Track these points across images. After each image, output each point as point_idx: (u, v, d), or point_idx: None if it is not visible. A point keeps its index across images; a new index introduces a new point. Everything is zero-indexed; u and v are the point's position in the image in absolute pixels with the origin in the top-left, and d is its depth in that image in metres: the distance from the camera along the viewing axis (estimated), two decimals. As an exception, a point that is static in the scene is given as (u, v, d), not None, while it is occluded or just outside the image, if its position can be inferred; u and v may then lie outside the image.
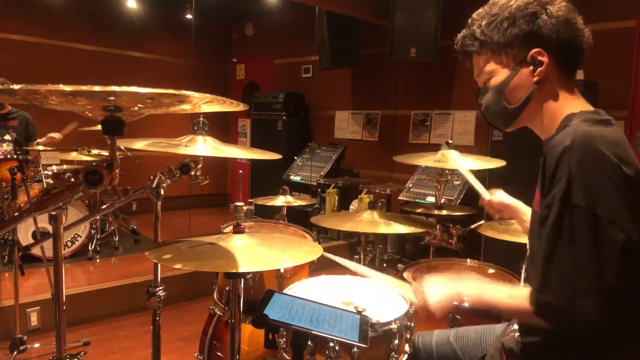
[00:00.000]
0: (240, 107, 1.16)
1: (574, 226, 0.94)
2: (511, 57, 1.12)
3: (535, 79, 1.11)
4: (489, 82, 1.17)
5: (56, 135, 4.36)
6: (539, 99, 1.13)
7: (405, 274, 1.97)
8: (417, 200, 4.34)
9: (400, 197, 4.50)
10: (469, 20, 1.19)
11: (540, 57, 1.09)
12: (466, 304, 1.17)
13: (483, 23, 1.14)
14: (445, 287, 1.16)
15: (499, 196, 1.56)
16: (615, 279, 0.91)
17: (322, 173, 5.33)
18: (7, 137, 4.23)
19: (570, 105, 1.11)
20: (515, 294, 1.07)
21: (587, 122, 1.03)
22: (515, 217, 1.54)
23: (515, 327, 1.23)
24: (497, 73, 1.15)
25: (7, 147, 4.10)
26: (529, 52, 1.10)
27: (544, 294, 0.97)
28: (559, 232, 0.95)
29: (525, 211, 1.48)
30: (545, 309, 0.98)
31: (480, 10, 1.17)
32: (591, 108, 1.11)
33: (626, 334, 0.99)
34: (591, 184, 0.93)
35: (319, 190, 5.11)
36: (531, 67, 1.11)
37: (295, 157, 5.74)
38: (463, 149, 2.58)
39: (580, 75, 3.62)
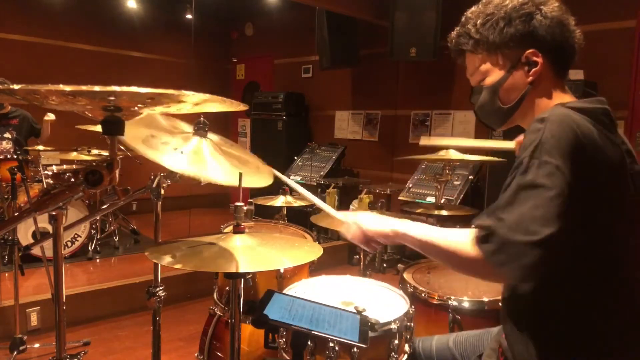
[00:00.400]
0: (240, 107, 1.16)
1: (537, 175, 0.91)
2: (506, 57, 1.13)
3: (530, 79, 1.11)
4: (484, 82, 1.18)
5: (50, 116, 4.37)
6: (532, 98, 1.14)
7: (405, 274, 1.97)
8: (417, 200, 4.34)
9: (400, 197, 4.50)
10: (463, 19, 1.19)
11: (535, 58, 1.10)
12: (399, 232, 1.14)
13: (478, 22, 1.14)
14: (380, 218, 1.19)
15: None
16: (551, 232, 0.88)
17: (322, 173, 5.33)
18: (7, 135, 4.24)
19: (561, 102, 1.11)
20: (451, 233, 1.05)
21: (567, 106, 1.02)
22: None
23: None
24: (491, 73, 1.16)
25: (6, 145, 4.11)
26: (524, 52, 1.10)
27: (490, 219, 0.95)
28: (525, 182, 0.93)
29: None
30: (486, 233, 0.94)
31: (474, 8, 1.17)
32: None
33: (609, 330, 1.00)
34: (564, 147, 0.92)
35: (319, 190, 5.11)
36: (526, 68, 1.11)
37: (295, 157, 5.74)
38: (463, 148, 2.58)
39: (580, 75, 3.62)
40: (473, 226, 0.99)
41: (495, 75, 1.15)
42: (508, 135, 1.27)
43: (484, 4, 1.15)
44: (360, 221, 1.20)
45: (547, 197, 0.89)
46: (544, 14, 1.08)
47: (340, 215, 1.30)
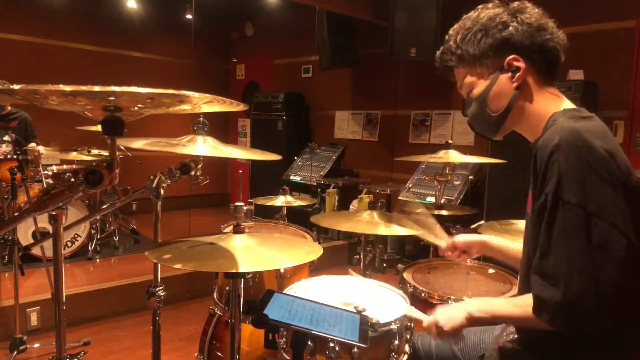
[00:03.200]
0: (240, 107, 1.16)
1: (567, 223, 0.94)
2: (488, 66, 1.15)
3: (515, 84, 1.13)
4: (471, 94, 1.21)
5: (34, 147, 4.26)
6: (522, 103, 1.15)
7: (405, 274, 1.97)
8: (417, 200, 4.34)
9: (400, 197, 4.49)
10: (446, 37, 1.23)
11: (516, 63, 1.12)
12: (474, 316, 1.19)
13: (458, 38, 1.18)
14: (454, 306, 1.22)
15: (461, 237, 1.54)
16: (613, 282, 0.92)
17: (322, 173, 5.33)
18: (7, 137, 4.24)
19: (553, 104, 1.13)
20: (518, 302, 1.09)
21: (572, 118, 1.05)
22: (485, 251, 1.51)
23: (513, 328, 1.24)
24: (477, 84, 1.19)
25: (6, 147, 4.11)
26: (505, 59, 1.13)
27: (548, 291, 0.97)
28: (552, 230, 0.96)
29: (494, 242, 1.48)
30: (550, 306, 0.97)
31: (455, 26, 1.22)
32: (573, 105, 1.13)
33: (620, 335, 1.00)
34: (581, 179, 0.94)
35: (319, 190, 5.11)
36: (509, 74, 1.13)
37: (295, 157, 5.74)
38: (463, 149, 2.58)
39: (580, 75, 3.63)
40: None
41: (480, 85, 1.18)
42: (510, 135, 1.27)
43: (463, 20, 1.20)
44: (438, 318, 1.21)
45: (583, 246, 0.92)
46: (519, 21, 1.11)
47: (423, 316, 1.32)
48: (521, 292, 1.18)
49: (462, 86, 1.23)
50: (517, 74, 1.12)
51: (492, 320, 1.16)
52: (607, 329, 0.96)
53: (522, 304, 1.06)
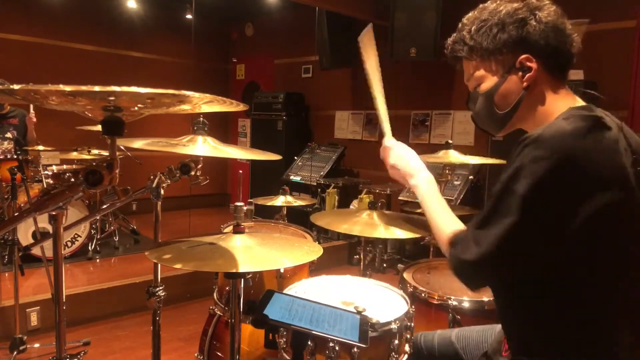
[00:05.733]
0: (240, 107, 1.16)
1: (505, 206, 0.98)
2: (500, 63, 1.13)
3: (524, 84, 1.11)
4: (479, 88, 1.18)
5: (31, 115, 4.33)
6: (529, 102, 1.13)
7: (405, 274, 1.97)
8: (417, 200, 4.33)
9: (400, 197, 4.49)
10: (459, 25, 1.19)
11: (528, 63, 1.10)
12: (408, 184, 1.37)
13: (473, 28, 1.14)
14: (410, 160, 1.40)
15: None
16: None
17: (322, 173, 5.33)
18: (8, 135, 4.24)
19: (561, 104, 1.10)
20: (451, 225, 1.17)
21: (569, 118, 1.01)
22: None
23: None
24: (486, 79, 1.16)
25: (7, 145, 4.10)
26: (518, 58, 1.10)
27: (454, 248, 1.09)
28: (494, 207, 1.00)
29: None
30: (452, 260, 1.09)
31: (470, 14, 1.18)
32: (582, 104, 1.11)
33: (611, 335, 1.01)
34: (537, 180, 0.94)
35: (319, 190, 5.11)
36: (520, 73, 1.11)
37: (295, 157, 5.74)
38: (463, 149, 2.58)
39: (580, 75, 3.63)
40: (451, 232, 1.14)
41: (489, 81, 1.15)
42: (510, 135, 1.26)
43: (480, 10, 1.16)
44: (394, 150, 1.41)
45: (507, 223, 0.97)
46: (538, 19, 1.08)
47: (389, 141, 1.49)
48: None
49: (470, 78, 1.20)
50: (528, 75, 1.10)
51: (420, 201, 1.31)
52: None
53: (447, 227, 1.17)
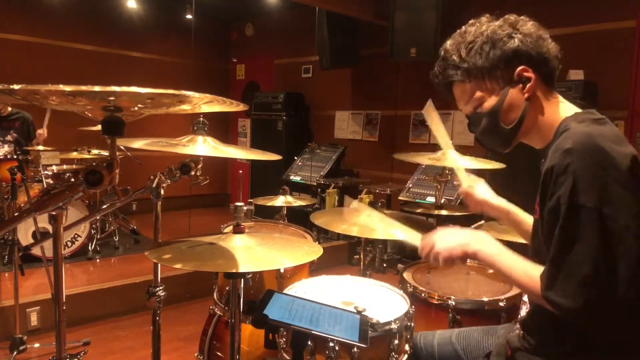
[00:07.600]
0: (240, 107, 1.16)
1: (583, 226, 0.95)
2: (497, 80, 1.14)
3: (526, 95, 1.13)
4: (481, 108, 1.18)
5: (41, 131, 4.34)
6: (532, 113, 1.15)
7: (405, 274, 1.97)
8: (417, 200, 4.34)
9: (400, 197, 4.50)
10: (442, 53, 1.20)
11: (526, 74, 1.12)
12: (472, 256, 1.18)
13: (462, 51, 1.15)
14: (457, 234, 1.21)
15: (482, 192, 1.47)
16: (627, 287, 0.92)
17: (322, 173, 5.33)
18: (9, 137, 4.24)
19: (561, 110, 1.15)
20: (530, 271, 1.07)
21: (584, 122, 1.06)
22: (502, 216, 1.45)
23: (518, 325, 1.25)
24: (487, 98, 1.16)
25: (8, 148, 4.10)
26: (515, 70, 1.12)
27: (551, 292, 0.98)
28: (567, 233, 0.96)
29: (518, 213, 1.41)
30: (552, 305, 0.99)
31: (450, 41, 1.19)
32: (577, 109, 1.15)
33: (620, 337, 1.01)
34: (597, 183, 0.94)
35: (319, 190, 5.11)
36: (520, 85, 1.13)
37: (295, 157, 5.74)
38: (463, 149, 2.58)
39: (580, 75, 3.62)
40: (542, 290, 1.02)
41: (491, 99, 1.16)
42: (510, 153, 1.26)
43: (460, 34, 1.17)
44: (437, 243, 1.21)
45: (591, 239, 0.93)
46: (522, 32, 1.12)
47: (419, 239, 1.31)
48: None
49: (468, 102, 1.20)
50: (528, 85, 1.12)
51: (492, 267, 1.15)
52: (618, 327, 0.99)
53: (533, 275, 1.05)
